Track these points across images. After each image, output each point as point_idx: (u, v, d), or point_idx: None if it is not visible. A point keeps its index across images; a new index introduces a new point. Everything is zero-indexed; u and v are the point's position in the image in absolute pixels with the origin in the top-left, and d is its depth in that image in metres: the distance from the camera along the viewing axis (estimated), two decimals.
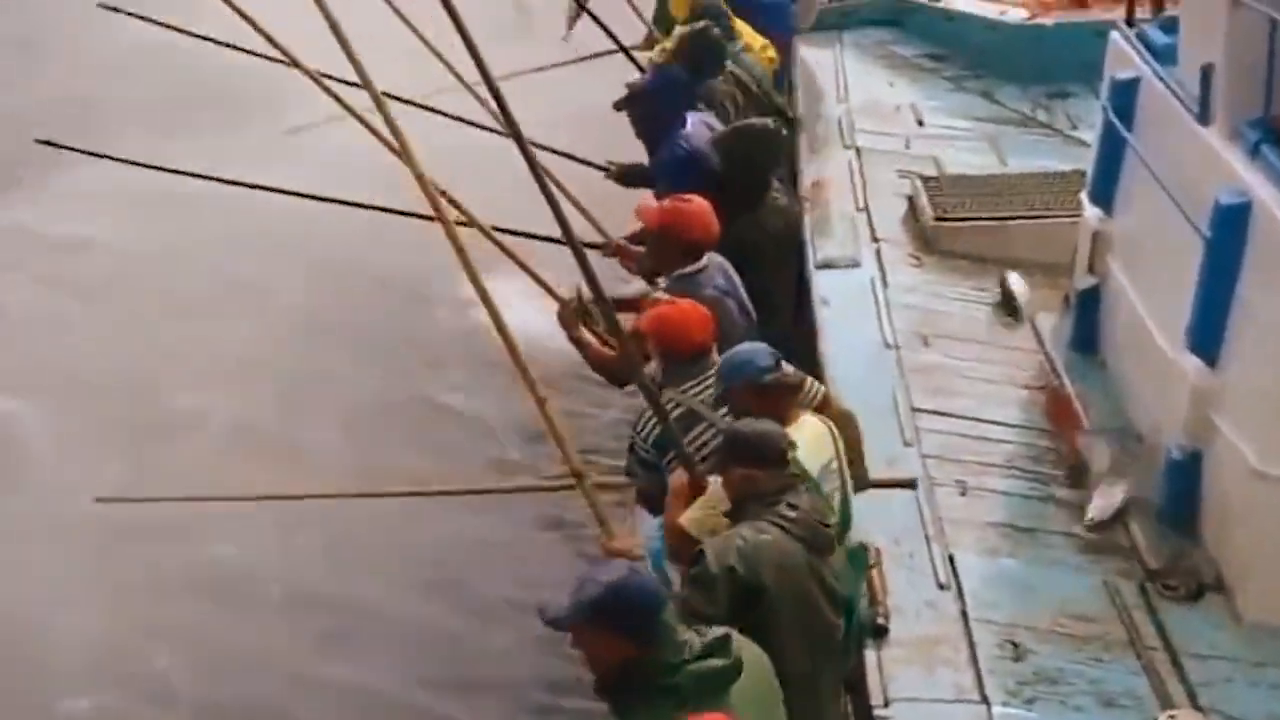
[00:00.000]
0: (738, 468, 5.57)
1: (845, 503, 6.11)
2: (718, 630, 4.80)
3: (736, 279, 7.35)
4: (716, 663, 4.69)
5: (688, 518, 5.83)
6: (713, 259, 7.32)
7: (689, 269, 7.23)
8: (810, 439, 5.95)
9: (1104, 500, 7.32)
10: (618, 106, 9.26)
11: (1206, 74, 7.30)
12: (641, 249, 8.27)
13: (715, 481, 5.82)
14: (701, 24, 9.82)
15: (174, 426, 10.40)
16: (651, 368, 6.54)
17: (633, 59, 11.11)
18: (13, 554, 8.91)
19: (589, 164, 9.93)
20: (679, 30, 10.06)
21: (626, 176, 9.50)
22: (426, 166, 6.59)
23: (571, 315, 7.48)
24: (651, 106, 9.05)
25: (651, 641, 4.67)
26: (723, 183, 8.12)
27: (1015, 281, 9.17)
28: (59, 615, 8.73)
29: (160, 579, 8.98)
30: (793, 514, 5.36)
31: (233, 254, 12.27)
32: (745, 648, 4.83)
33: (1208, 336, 6.94)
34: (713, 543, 5.41)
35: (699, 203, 7.45)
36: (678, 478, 6.10)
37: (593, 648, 4.78)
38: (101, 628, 8.70)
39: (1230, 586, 6.72)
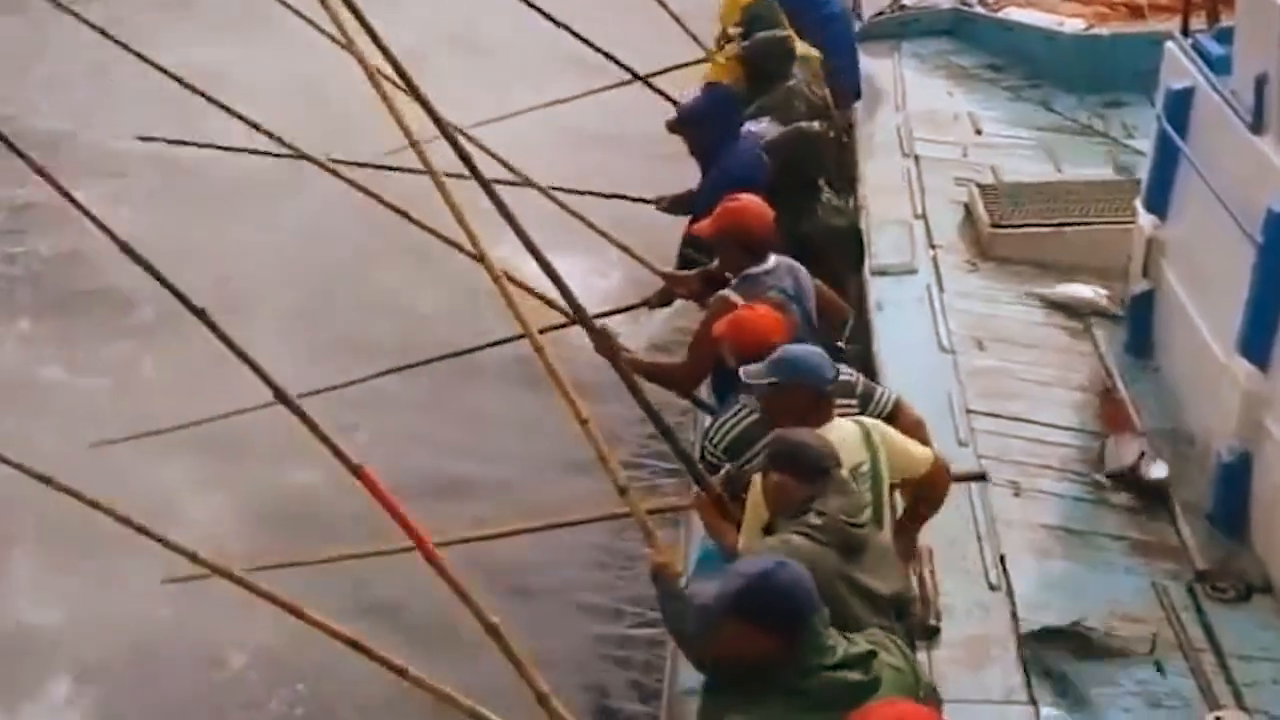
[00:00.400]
0: (775, 473, 5.46)
1: (878, 504, 5.90)
2: (864, 645, 4.60)
3: (807, 284, 7.28)
4: (853, 676, 4.49)
5: (743, 546, 5.77)
6: (783, 261, 7.27)
7: (756, 269, 7.20)
8: (840, 441, 5.78)
9: (1121, 449, 7.45)
10: (671, 128, 9.30)
11: (1261, 84, 7.31)
12: (690, 273, 8.32)
13: (754, 493, 5.71)
14: (768, 32, 9.87)
15: None
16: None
17: (650, 85, 11.09)
18: None
19: (638, 199, 9.95)
20: (752, 37, 10.09)
21: (675, 206, 9.53)
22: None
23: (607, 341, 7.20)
24: (703, 126, 9.10)
25: (796, 640, 4.47)
26: (773, 186, 8.15)
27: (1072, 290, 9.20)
28: None
29: None
30: (819, 520, 5.17)
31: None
32: (889, 666, 4.63)
33: (1259, 341, 6.95)
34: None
35: (750, 199, 7.42)
36: (697, 498, 6.16)
37: (734, 642, 4.55)
38: None
39: (1279, 590, 6.72)
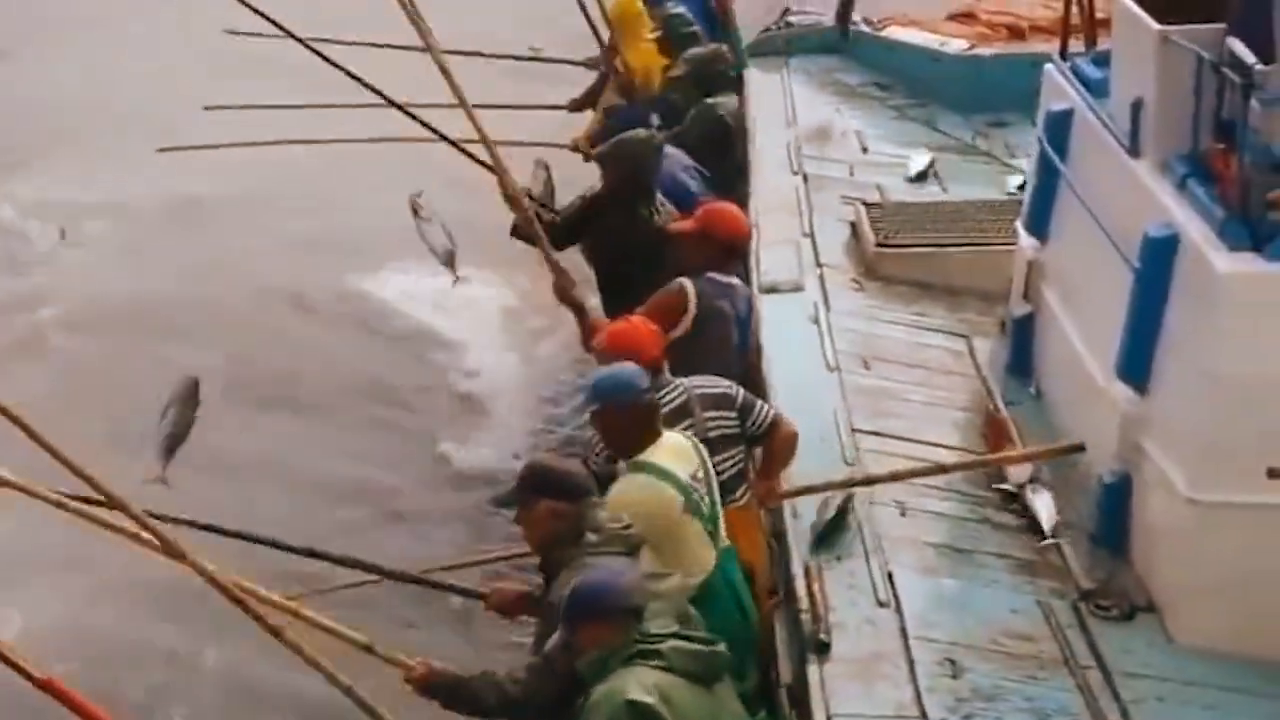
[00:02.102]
0: (545, 500, 5.52)
1: (714, 509, 6.03)
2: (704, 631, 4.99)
3: (756, 320, 7.42)
4: (703, 648, 4.88)
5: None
6: (744, 288, 7.50)
7: (720, 277, 7.24)
8: (673, 452, 5.94)
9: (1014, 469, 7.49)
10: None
11: (1137, 108, 7.31)
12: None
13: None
14: (712, 48, 9.91)
15: None
16: None
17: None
18: None
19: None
20: (689, 53, 10.13)
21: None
22: None
23: (566, 285, 7.61)
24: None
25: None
26: (610, 193, 8.16)
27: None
28: None
29: None
30: (598, 538, 5.41)
31: None
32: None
33: (1137, 365, 6.92)
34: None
35: (732, 207, 7.63)
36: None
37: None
38: None
39: (1161, 608, 6.70)
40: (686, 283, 7.15)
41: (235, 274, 12.84)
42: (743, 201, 9.18)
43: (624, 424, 5.96)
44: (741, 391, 6.58)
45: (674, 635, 4.96)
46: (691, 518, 5.90)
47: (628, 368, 6.10)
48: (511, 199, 7.93)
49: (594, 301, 8.10)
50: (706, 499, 5.99)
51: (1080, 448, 7.31)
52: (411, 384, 11.86)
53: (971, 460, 7.67)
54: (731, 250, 7.38)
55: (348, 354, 12.17)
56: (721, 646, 5.07)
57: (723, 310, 7.28)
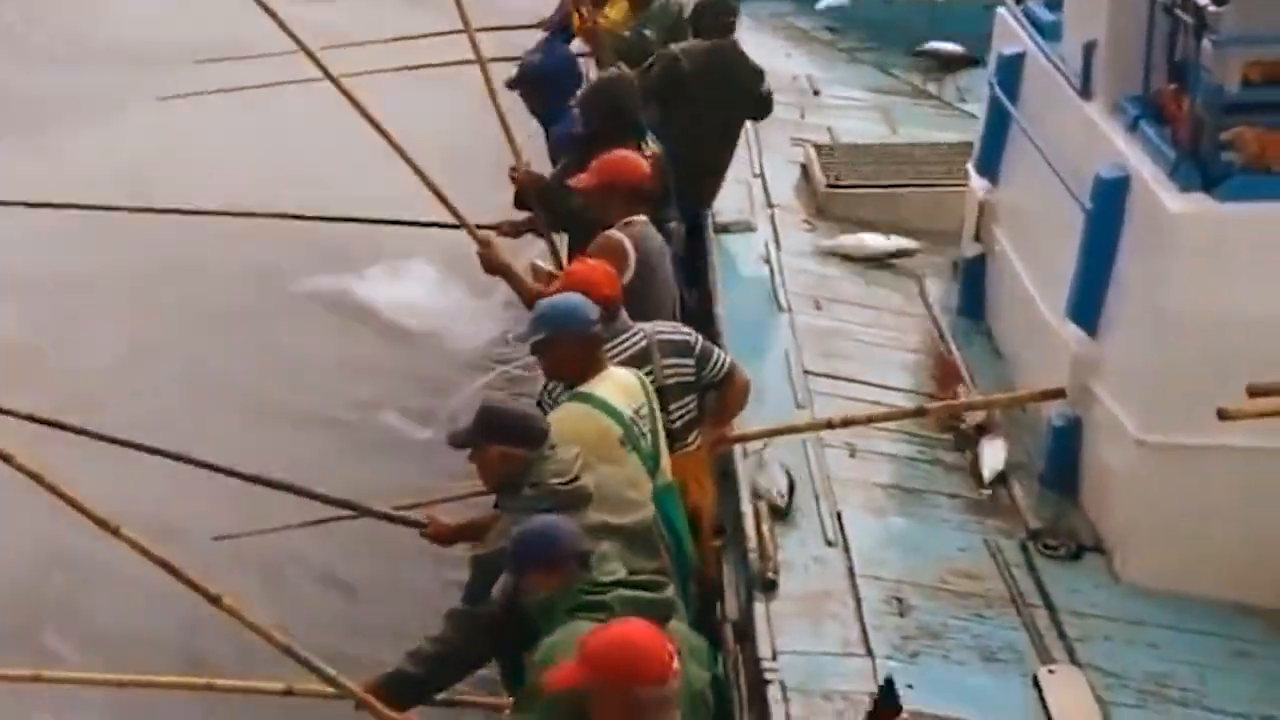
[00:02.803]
0: (495, 445, 5.40)
1: (657, 449, 5.94)
2: (652, 566, 4.95)
3: (666, 244, 7.25)
4: (649, 595, 4.71)
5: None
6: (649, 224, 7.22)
7: (639, 219, 7.10)
8: (618, 387, 5.86)
9: (992, 455, 7.31)
10: (510, 85, 9.05)
11: (1089, 50, 7.26)
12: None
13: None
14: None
15: None
16: None
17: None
18: None
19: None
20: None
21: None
22: None
23: (494, 255, 7.42)
24: (544, 87, 8.91)
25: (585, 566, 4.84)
26: (596, 136, 8.03)
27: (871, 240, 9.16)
28: None
29: None
30: (534, 492, 5.28)
31: None
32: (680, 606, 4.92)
33: (1088, 306, 6.88)
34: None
35: (627, 152, 7.39)
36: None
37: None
38: None
39: (1108, 548, 6.69)
40: (617, 233, 7.00)
41: None
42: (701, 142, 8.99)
43: (570, 354, 5.86)
44: (700, 339, 6.50)
45: (620, 584, 4.85)
46: (629, 452, 5.81)
47: (574, 297, 5.99)
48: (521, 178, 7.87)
49: (522, 266, 7.92)
50: (648, 436, 5.90)
51: (1060, 393, 7.08)
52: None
53: (941, 405, 7.54)
54: (638, 195, 7.21)
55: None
56: (669, 590, 4.97)
57: (661, 249, 7.19)
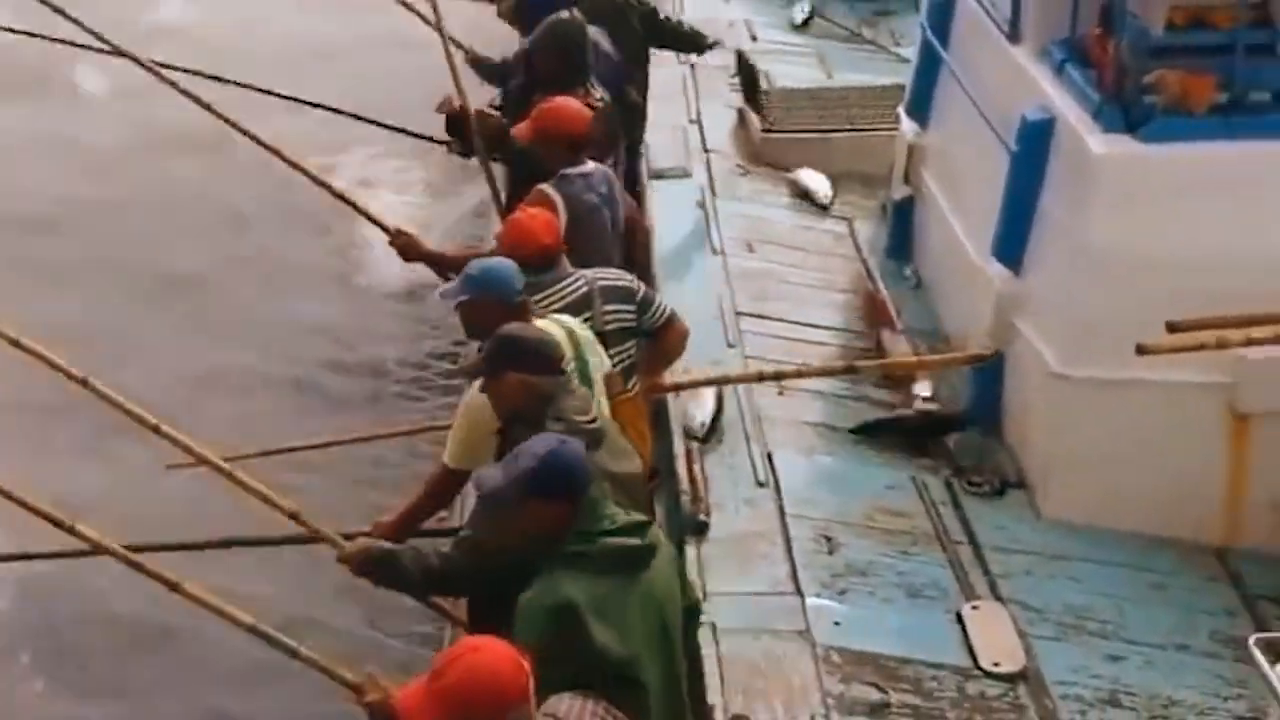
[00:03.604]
0: (514, 373, 5.17)
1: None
2: (639, 514, 4.61)
3: (619, 193, 7.14)
4: (631, 541, 4.46)
5: (451, 453, 5.55)
6: (599, 168, 7.11)
7: (574, 170, 7.02)
8: None
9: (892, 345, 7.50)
10: (503, 15, 8.93)
11: None
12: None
13: (469, 399, 5.49)
14: None
15: None
16: None
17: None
18: None
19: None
20: None
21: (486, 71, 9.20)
22: None
23: (407, 242, 7.26)
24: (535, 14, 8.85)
25: (578, 509, 4.46)
26: (541, 78, 7.98)
27: (808, 176, 9.14)
28: None
29: None
30: (559, 426, 4.96)
31: None
32: (663, 543, 4.65)
33: (1012, 245, 6.93)
34: None
35: (567, 100, 7.23)
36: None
37: (532, 521, 4.50)
38: None
39: (1031, 484, 6.75)
40: (547, 188, 6.92)
41: None
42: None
43: (491, 318, 5.66)
44: (642, 286, 6.45)
45: (606, 533, 4.54)
46: None
47: (503, 263, 5.88)
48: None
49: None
50: (581, 387, 5.73)
51: (988, 356, 7.06)
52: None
53: (873, 364, 7.47)
54: (575, 145, 7.12)
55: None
56: (653, 532, 4.66)
57: (591, 203, 7.09)
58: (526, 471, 4.46)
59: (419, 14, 8.24)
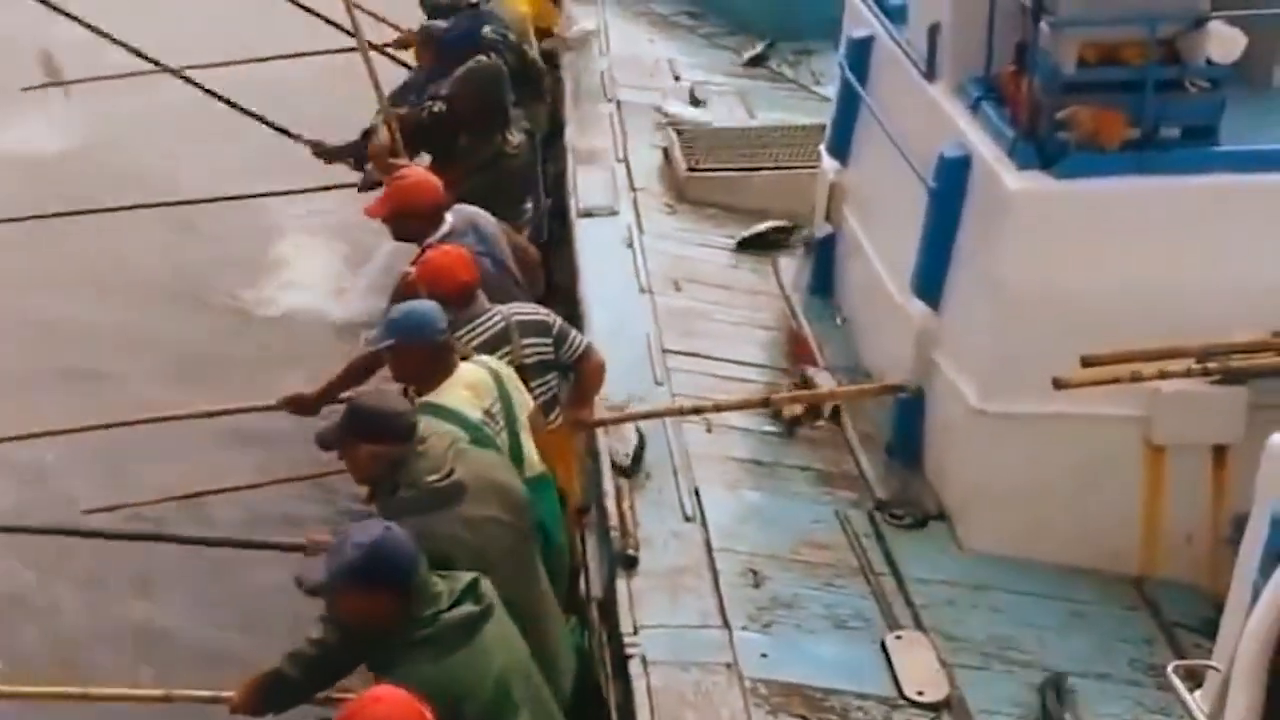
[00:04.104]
0: (364, 444, 5.22)
1: (515, 441, 5.91)
2: (467, 576, 4.65)
3: (490, 230, 7.16)
4: (468, 608, 4.57)
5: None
6: (459, 219, 7.08)
7: (435, 237, 7.00)
8: (469, 388, 5.80)
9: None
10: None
11: (933, 33, 7.35)
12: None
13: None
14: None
15: None
16: None
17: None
18: None
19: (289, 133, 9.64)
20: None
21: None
22: None
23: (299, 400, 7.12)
24: (444, 50, 8.97)
25: (409, 596, 4.52)
26: (461, 119, 8.06)
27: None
28: None
29: None
30: (410, 494, 5.11)
31: None
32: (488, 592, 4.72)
33: (930, 281, 7.01)
34: None
35: (413, 170, 7.38)
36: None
37: (357, 609, 4.58)
38: None
39: (951, 516, 6.83)
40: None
41: None
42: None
43: (417, 361, 5.81)
44: (558, 321, 6.54)
45: (440, 612, 4.59)
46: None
47: (425, 305, 5.95)
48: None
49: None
50: (504, 432, 5.87)
51: (902, 388, 7.20)
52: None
53: (786, 397, 7.55)
54: (425, 220, 7.11)
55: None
56: (484, 585, 4.73)
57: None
58: (345, 564, 4.55)
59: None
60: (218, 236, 11.83)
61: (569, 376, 6.63)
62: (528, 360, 6.33)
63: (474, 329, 6.26)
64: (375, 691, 4.13)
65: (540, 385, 6.38)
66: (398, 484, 5.19)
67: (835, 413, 7.58)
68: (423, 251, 6.77)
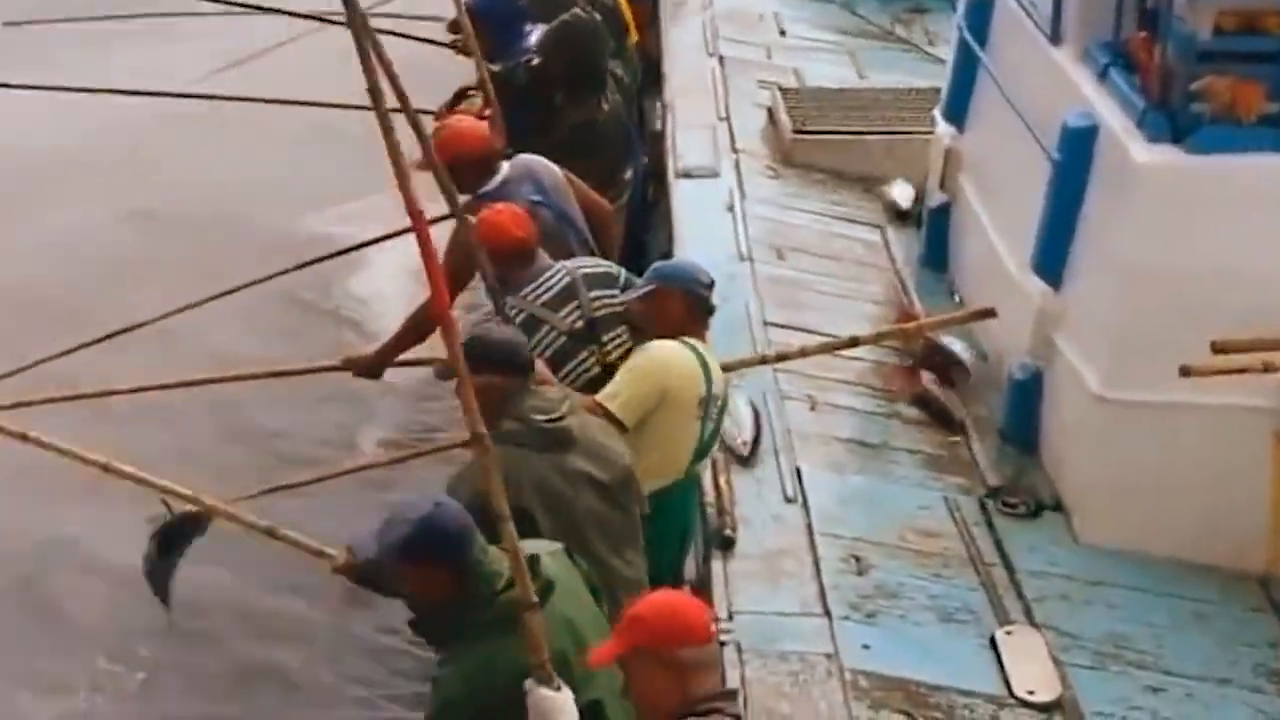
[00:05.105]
0: (477, 374, 4.97)
1: (712, 441, 6.10)
2: (525, 552, 4.51)
3: (551, 181, 7.09)
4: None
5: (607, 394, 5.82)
6: (517, 169, 7.05)
7: (487, 187, 6.97)
8: (715, 367, 6.02)
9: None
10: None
11: None
12: None
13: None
14: None
15: None
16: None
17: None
18: None
19: None
20: None
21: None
22: None
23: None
24: (485, 24, 8.73)
25: (465, 574, 4.48)
26: (556, 79, 7.96)
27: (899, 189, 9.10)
28: None
29: None
30: (514, 425, 5.13)
31: None
32: (559, 561, 4.70)
33: (1051, 259, 6.86)
34: (459, 475, 5.17)
35: (458, 119, 7.35)
36: None
37: (415, 586, 4.56)
38: None
39: (1067, 507, 6.70)
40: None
41: None
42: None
43: (677, 310, 6.04)
44: (624, 272, 6.50)
45: (497, 592, 4.52)
46: (698, 422, 5.90)
47: (696, 264, 6.30)
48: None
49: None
50: (714, 422, 6.00)
51: (991, 312, 7.22)
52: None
53: (879, 332, 7.56)
54: (475, 169, 7.02)
55: None
56: (545, 564, 4.63)
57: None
58: (397, 540, 4.52)
59: None
60: None
61: None
62: (599, 313, 6.31)
63: (538, 287, 6.26)
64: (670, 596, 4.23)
65: (615, 337, 6.33)
66: (501, 417, 5.17)
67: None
68: (474, 200, 6.75)
